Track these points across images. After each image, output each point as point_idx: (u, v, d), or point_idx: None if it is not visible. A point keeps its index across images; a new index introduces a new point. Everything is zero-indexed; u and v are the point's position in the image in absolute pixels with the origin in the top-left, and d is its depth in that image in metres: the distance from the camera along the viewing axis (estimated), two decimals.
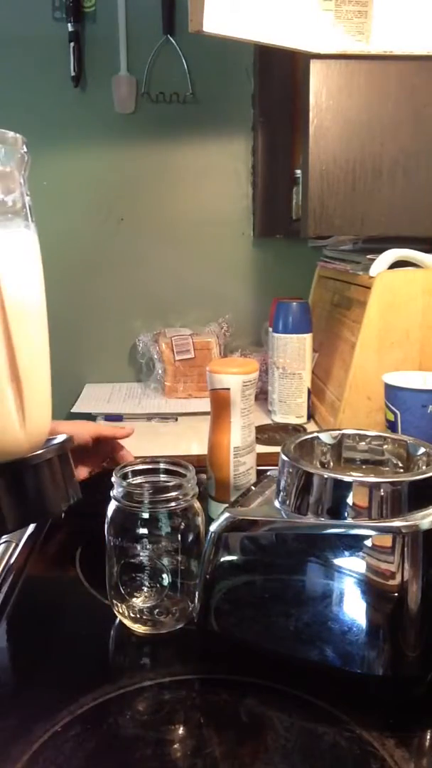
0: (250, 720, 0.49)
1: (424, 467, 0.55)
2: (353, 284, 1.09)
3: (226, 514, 0.57)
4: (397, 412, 0.81)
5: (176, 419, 1.21)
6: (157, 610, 0.58)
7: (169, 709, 0.50)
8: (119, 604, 0.59)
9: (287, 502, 0.55)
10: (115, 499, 0.59)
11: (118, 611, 0.60)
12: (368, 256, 1.02)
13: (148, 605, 0.58)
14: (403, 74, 0.97)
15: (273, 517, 0.55)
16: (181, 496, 0.59)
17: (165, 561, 0.59)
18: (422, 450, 0.57)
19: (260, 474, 0.68)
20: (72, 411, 1.23)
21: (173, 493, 0.59)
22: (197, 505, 0.61)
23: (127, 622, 0.59)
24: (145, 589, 0.59)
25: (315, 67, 0.96)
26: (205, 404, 0.84)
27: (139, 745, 0.47)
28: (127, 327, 1.48)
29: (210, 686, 0.53)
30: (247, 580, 0.56)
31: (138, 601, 0.59)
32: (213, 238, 1.48)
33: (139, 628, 0.59)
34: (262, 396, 1.19)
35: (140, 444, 0.87)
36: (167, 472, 0.64)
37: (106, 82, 1.39)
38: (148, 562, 0.58)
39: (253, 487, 0.62)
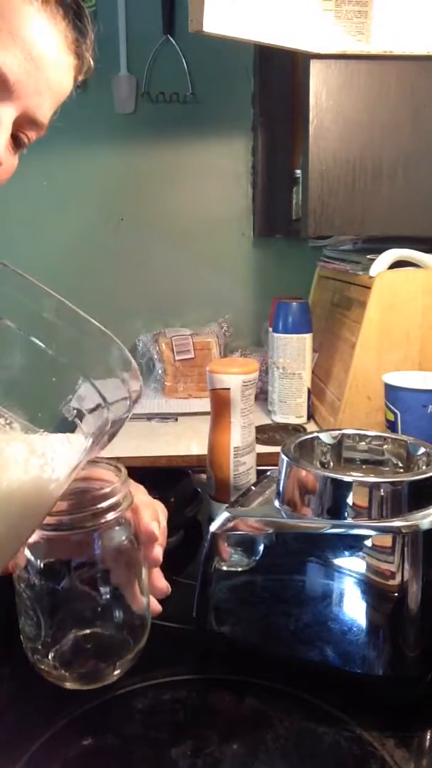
0: (250, 720, 0.49)
1: (424, 467, 0.55)
2: (353, 284, 1.09)
3: (226, 514, 0.57)
4: (397, 412, 0.81)
5: (176, 419, 1.21)
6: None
7: (169, 709, 0.50)
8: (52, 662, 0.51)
9: (287, 502, 0.55)
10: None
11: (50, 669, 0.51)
12: (368, 256, 1.02)
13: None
14: (403, 74, 0.97)
15: (273, 517, 0.55)
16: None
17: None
18: (422, 450, 0.57)
19: (260, 474, 0.68)
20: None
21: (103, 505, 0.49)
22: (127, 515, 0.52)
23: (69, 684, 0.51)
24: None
25: (315, 67, 0.96)
26: (205, 404, 0.84)
27: (139, 745, 0.47)
28: (127, 327, 1.48)
29: (210, 686, 0.53)
30: (246, 580, 0.56)
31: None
32: (213, 238, 1.48)
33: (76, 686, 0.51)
34: (262, 396, 1.19)
35: (140, 444, 0.88)
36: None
37: (106, 82, 1.39)
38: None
39: (253, 487, 0.62)
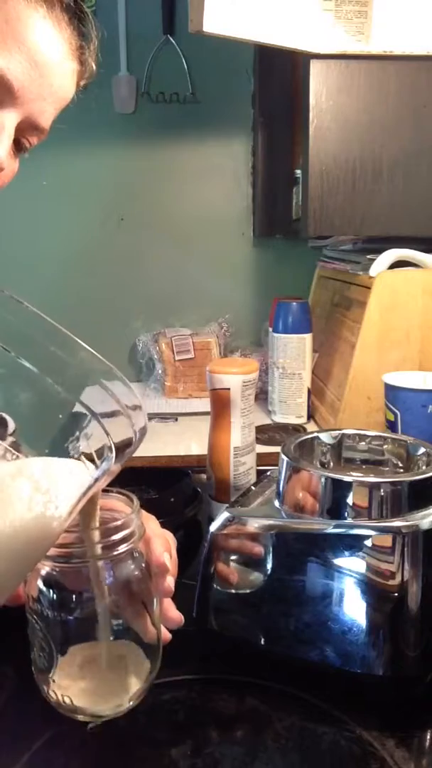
0: (250, 720, 0.49)
1: (424, 467, 0.55)
2: (353, 284, 1.09)
3: (226, 514, 0.57)
4: (397, 412, 0.81)
5: (176, 419, 1.21)
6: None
7: (169, 709, 0.50)
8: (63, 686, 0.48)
9: (287, 502, 0.55)
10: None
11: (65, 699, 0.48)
12: (368, 256, 1.02)
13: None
14: (403, 74, 0.97)
15: (273, 517, 0.55)
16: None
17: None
18: (422, 450, 0.57)
19: (260, 474, 0.68)
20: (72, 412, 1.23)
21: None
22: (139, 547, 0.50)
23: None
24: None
25: (315, 67, 0.96)
26: (205, 404, 0.84)
27: (140, 745, 0.47)
28: (127, 327, 1.48)
29: (210, 686, 0.53)
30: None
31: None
32: (213, 238, 1.48)
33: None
34: (262, 396, 1.18)
35: (140, 444, 0.87)
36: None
37: (106, 82, 1.39)
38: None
39: (253, 487, 0.62)
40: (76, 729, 0.47)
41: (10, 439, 0.38)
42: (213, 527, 0.57)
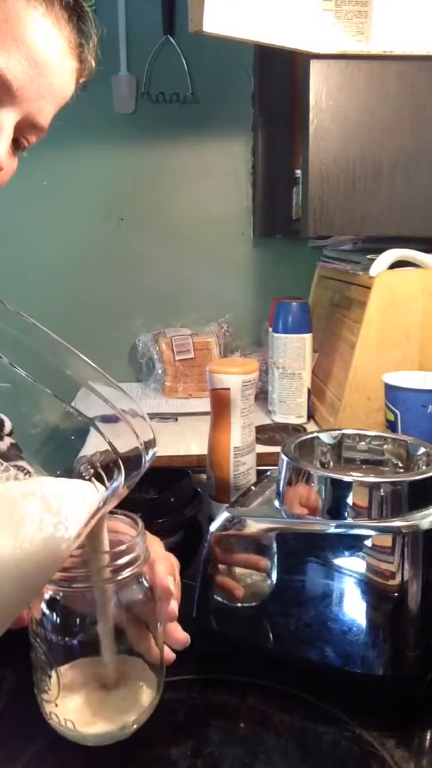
0: (250, 720, 0.49)
1: (424, 467, 0.55)
2: (353, 284, 1.09)
3: (226, 514, 0.57)
4: (397, 412, 0.81)
5: (176, 419, 1.21)
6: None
7: (169, 709, 0.50)
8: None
9: (287, 502, 0.55)
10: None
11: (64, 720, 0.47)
12: (368, 256, 1.02)
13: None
14: (403, 74, 0.97)
15: (273, 517, 0.55)
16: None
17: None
18: (422, 450, 0.57)
19: (260, 474, 0.68)
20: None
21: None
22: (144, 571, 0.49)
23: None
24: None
25: (315, 67, 0.96)
26: (205, 404, 0.84)
27: (140, 745, 0.47)
28: (127, 327, 1.49)
29: (210, 686, 0.53)
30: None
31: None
32: (213, 238, 1.48)
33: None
34: (262, 396, 1.19)
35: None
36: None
37: (106, 82, 1.39)
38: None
39: (253, 487, 0.62)
40: None
41: (8, 439, 0.38)
42: (213, 527, 0.57)
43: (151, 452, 0.41)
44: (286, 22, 0.90)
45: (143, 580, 0.48)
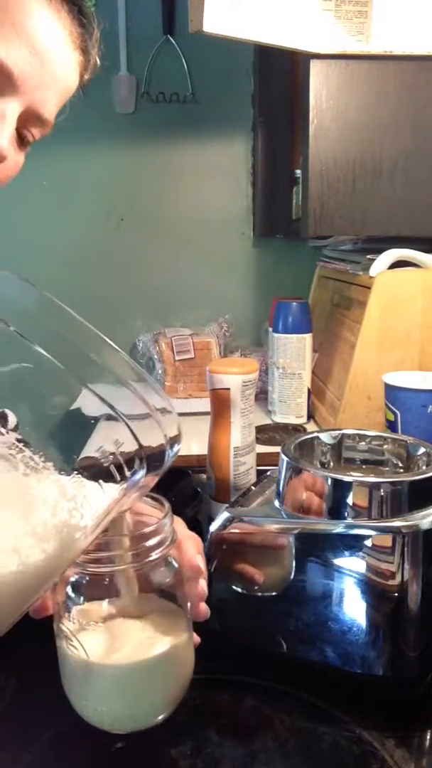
0: (250, 720, 0.49)
1: (424, 467, 0.55)
2: (353, 284, 1.09)
3: (226, 514, 0.57)
4: (397, 412, 0.81)
5: None
6: None
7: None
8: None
9: (287, 502, 0.55)
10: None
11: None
12: (368, 256, 1.02)
13: None
14: (403, 74, 0.97)
15: (273, 517, 0.55)
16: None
17: None
18: (422, 450, 0.57)
19: (260, 474, 0.68)
20: (70, 409, 1.23)
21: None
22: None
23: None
24: None
25: (315, 67, 0.96)
26: (205, 404, 0.84)
27: (140, 745, 0.47)
28: (127, 327, 1.48)
29: (210, 686, 0.53)
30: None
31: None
32: (213, 238, 1.48)
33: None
34: (262, 396, 1.18)
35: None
36: None
37: (106, 82, 1.39)
38: None
39: (253, 487, 0.62)
40: (77, 729, 0.47)
41: (13, 435, 0.38)
42: (213, 527, 0.57)
43: (175, 447, 0.40)
44: (286, 22, 0.90)
45: (172, 560, 0.47)
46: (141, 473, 0.38)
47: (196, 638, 0.51)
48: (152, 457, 0.38)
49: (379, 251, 1.00)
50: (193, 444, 1.05)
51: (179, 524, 0.55)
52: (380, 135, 0.98)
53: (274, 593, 0.54)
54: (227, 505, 0.60)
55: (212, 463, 0.79)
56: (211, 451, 0.79)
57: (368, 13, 0.92)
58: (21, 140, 0.60)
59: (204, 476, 0.83)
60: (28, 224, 1.44)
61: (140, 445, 0.36)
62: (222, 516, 0.57)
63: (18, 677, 0.54)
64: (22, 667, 0.53)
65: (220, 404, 0.77)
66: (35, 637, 0.60)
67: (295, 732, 0.48)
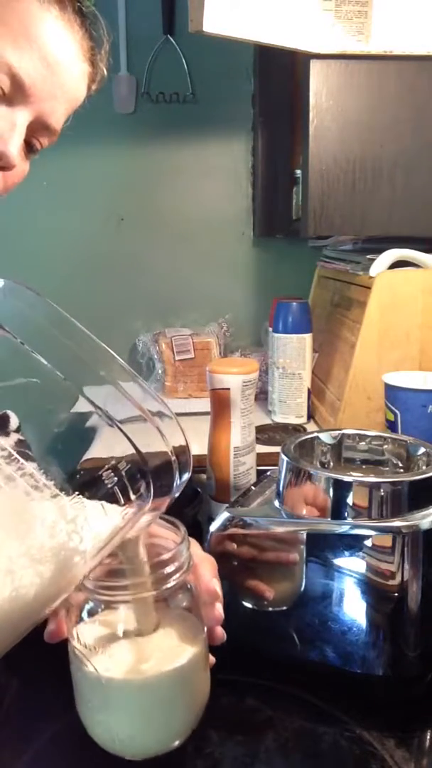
0: (250, 720, 0.49)
1: (424, 467, 0.55)
2: (353, 284, 1.09)
3: (226, 514, 0.57)
4: (397, 412, 0.81)
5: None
6: None
7: None
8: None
9: (287, 502, 0.55)
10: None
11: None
12: (368, 256, 1.02)
13: None
14: (403, 74, 0.97)
15: (273, 517, 0.55)
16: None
17: None
18: (422, 450, 0.57)
19: (260, 474, 0.68)
20: (71, 411, 1.23)
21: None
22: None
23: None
24: None
25: (315, 67, 0.96)
26: (205, 404, 0.84)
27: None
28: (127, 327, 1.48)
29: (211, 686, 0.53)
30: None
31: None
32: (213, 238, 1.48)
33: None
34: (262, 396, 1.18)
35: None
36: None
37: (106, 82, 1.39)
38: None
39: (253, 487, 0.62)
40: (77, 729, 0.47)
41: (15, 436, 0.37)
42: (213, 527, 0.57)
43: (185, 476, 0.38)
44: (286, 22, 0.90)
45: (190, 586, 0.46)
46: (147, 500, 0.36)
47: (212, 659, 0.50)
48: (159, 479, 0.36)
49: (379, 251, 1.00)
50: (193, 444, 1.05)
51: (194, 546, 0.53)
52: (380, 135, 0.98)
53: (284, 608, 0.54)
54: (227, 505, 0.60)
55: (212, 463, 0.79)
56: (211, 451, 0.79)
57: (368, 13, 0.92)
58: (28, 148, 0.61)
59: (204, 476, 0.83)
60: (28, 224, 1.44)
61: (145, 464, 0.35)
62: (222, 516, 0.57)
63: (19, 677, 0.54)
64: (23, 666, 0.53)
65: (220, 404, 0.77)
66: (36, 636, 0.60)
67: (295, 732, 0.48)
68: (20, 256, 1.45)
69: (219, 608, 0.50)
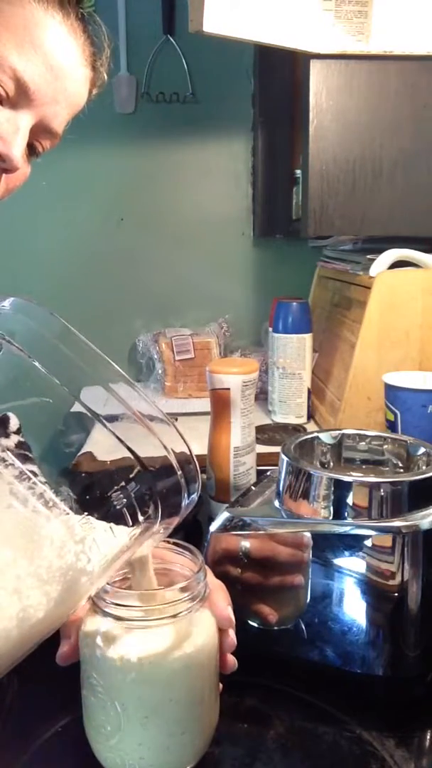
0: (250, 720, 0.49)
1: (424, 467, 0.55)
2: (353, 284, 1.09)
3: (226, 514, 0.57)
4: (397, 412, 0.81)
5: (176, 419, 1.21)
6: None
7: None
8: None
9: (287, 502, 0.55)
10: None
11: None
12: (368, 256, 1.02)
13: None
14: (403, 74, 0.97)
15: (273, 517, 0.55)
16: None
17: None
18: (422, 450, 0.57)
19: (260, 474, 0.68)
20: (71, 411, 1.23)
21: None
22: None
23: None
24: None
25: (315, 67, 0.96)
26: (205, 404, 0.84)
27: None
28: (127, 327, 1.48)
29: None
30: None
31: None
32: (213, 238, 1.48)
33: None
34: (262, 396, 1.18)
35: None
36: None
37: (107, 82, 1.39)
38: None
39: (253, 487, 0.62)
40: (77, 729, 0.47)
41: (15, 437, 0.37)
42: (213, 527, 0.57)
43: (192, 496, 0.38)
44: (286, 22, 0.90)
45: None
46: (155, 520, 0.35)
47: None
48: (166, 500, 0.36)
49: (379, 251, 1.00)
50: (193, 444, 1.05)
51: (208, 574, 0.52)
52: (380, 135, 0.98)
53: (288, 626, 0.54)
54: (227, 505, 0.60)
55: (212, 463, 0.79)
56: (211, 451, 0.79)
57: (368, 13, 0.92)
58: (30, 151, 0.62)
59: (204, 476, 0.83)
60: (28, 224, 1.44)
61: (155, 491, 0.35)
62: (222, 516, 0.57)
63: (20, 677, 0.54)
64: (23, 666, 0.53)
65: (220, 404, 0.77)
66: None
67: (295, 732, 0.48)
68: (20, 256, 1.45)
69: (232, 635, 0.49)
